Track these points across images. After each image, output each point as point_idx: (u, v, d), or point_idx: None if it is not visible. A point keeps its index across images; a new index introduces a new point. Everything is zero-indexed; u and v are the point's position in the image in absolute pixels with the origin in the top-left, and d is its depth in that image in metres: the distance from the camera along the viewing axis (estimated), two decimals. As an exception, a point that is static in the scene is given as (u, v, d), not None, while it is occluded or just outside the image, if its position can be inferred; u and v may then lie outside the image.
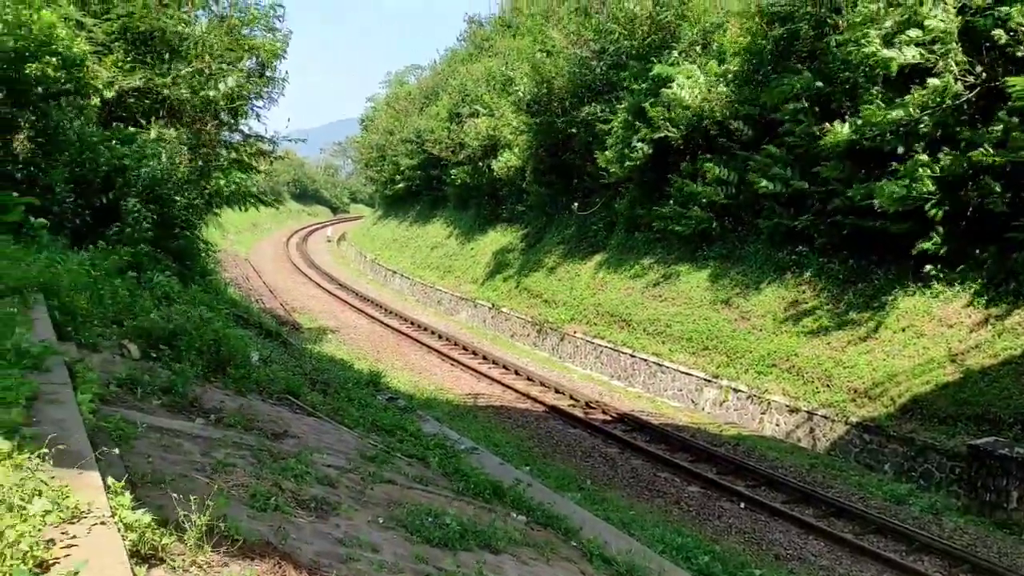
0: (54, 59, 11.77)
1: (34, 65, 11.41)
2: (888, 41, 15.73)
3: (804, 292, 19.16)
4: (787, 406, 17.20)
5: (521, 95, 30.45)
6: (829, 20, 18.11)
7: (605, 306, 24.65)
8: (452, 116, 42.45)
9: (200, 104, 16.85)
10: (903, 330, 16.44)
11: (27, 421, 3.72)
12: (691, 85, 21.72)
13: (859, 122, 16.58)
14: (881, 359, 16.24)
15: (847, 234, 18.36)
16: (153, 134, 15.20)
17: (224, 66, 17.12)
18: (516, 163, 33.57)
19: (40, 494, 2.91)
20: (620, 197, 26.71)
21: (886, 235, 17.27)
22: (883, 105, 16.13)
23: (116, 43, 15.85)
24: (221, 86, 16.64)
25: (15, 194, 9.52)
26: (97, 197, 11.91)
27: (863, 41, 15.91)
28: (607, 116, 25.62)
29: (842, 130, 16.91)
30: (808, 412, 16.71)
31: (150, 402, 5.89)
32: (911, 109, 15.69)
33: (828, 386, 16.70)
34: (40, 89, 11.69)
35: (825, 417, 16.32)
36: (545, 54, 29.81)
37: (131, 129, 14.54)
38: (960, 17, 15.42)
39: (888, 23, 15.83)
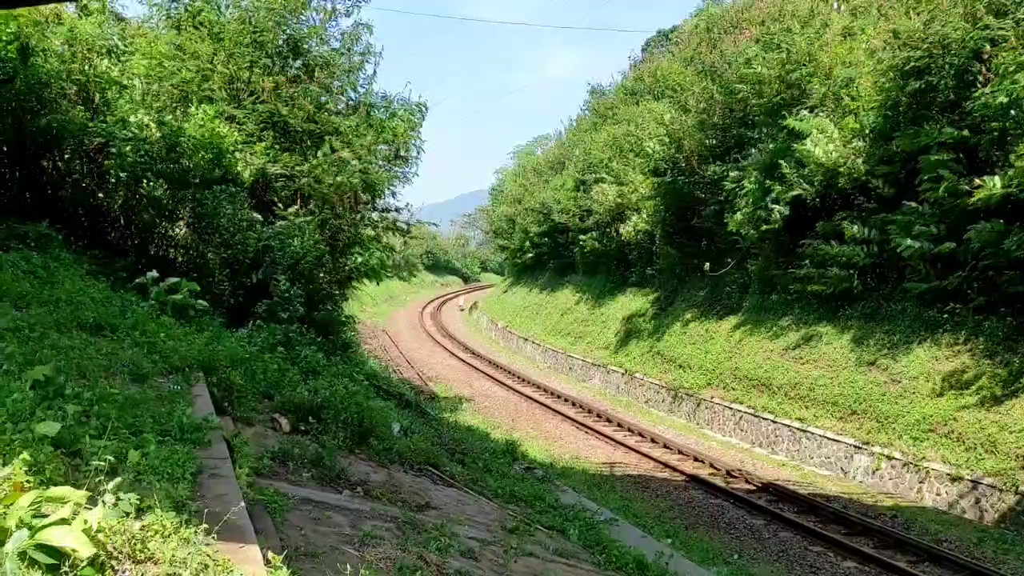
0: (209, 153, 12.71)
1: (194, 158, 12.37)
2: None
3: (960, 352, 17.91)
4: (948, 475, 16.01)
5: (650, 153, 30.48)
6: (972, 69, 17.25)
7: (743, 370, 23.88)
8: (578, 184, 42.90)
9: (340, 188, 17.72)
10: (1076, 390, 15.10)
11: (192, 495, 3.92)
12: (825, 140, 21.05)
13: (1011, 174, 15.58)
14: (1053, 423, 14.93)
15: (1005, 291, 17.13)
16: (293, 218, 16.09)
17: (364, 154, 17.99)
18: (644, 227, 33.40)
19: (206, 568, 3.03)
20: (753, 257, 26.03)
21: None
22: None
23: (264, 132, 16.98)
24: (357, 177, 17.45)
25: (182, 280, 10.26)
26: (247, 276, 12.65)
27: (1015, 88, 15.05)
28: (737, 175, 25.17)
29: (995, 184, 15.92)
30: (972, 481, 15.49)
31: (301, 475, 6.10)
32: None
33: (993, 452, 15.44)
34: (196, 179, 12.64)
35: (992, 486, 15.07)
36: (682, 110, 29.83)
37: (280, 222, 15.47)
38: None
39: None
